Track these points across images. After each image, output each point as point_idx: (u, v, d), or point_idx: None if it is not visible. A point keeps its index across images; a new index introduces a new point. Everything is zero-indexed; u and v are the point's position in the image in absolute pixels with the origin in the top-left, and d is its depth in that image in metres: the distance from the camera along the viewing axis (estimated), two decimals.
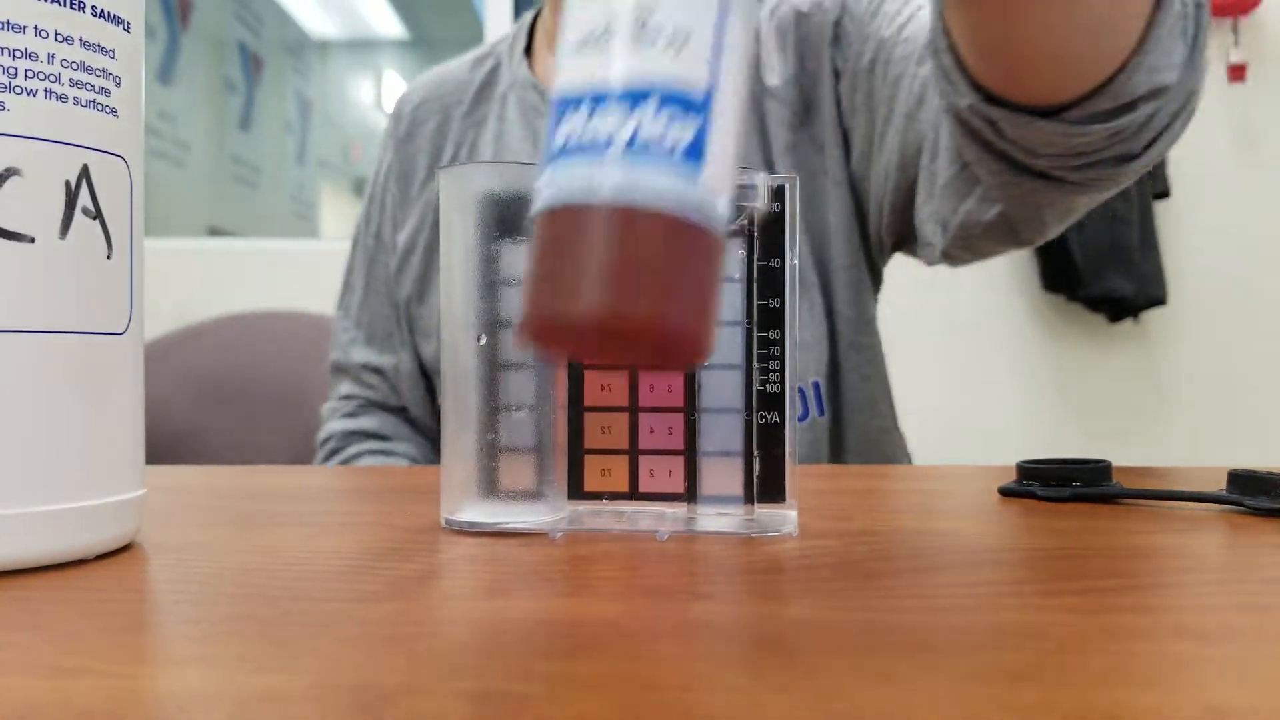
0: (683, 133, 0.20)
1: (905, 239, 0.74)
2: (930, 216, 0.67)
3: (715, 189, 0.21)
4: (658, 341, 0.20)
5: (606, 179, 0.20)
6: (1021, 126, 0.52)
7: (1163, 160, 2.00)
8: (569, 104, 0.21)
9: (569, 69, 0.21)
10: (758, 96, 0.76)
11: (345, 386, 0.86)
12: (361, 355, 0.85)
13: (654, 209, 0.20)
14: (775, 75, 0.75)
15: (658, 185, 0.20)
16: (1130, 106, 0.50)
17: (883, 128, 0.70)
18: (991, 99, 0.52)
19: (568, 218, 0.20)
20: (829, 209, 0.74)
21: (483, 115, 0.83)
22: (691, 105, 0.20)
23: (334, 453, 0.84)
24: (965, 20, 0.50)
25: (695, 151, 0.20)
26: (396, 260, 0.84)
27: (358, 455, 0.82)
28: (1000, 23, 0.48)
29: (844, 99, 0.74)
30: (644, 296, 0.20)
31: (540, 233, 0.21)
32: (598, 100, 0.20)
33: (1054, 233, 0.63)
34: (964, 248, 0.66)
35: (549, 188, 0.21)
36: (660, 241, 0.20)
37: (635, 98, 0.20)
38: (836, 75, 0.74)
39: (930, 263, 0.71)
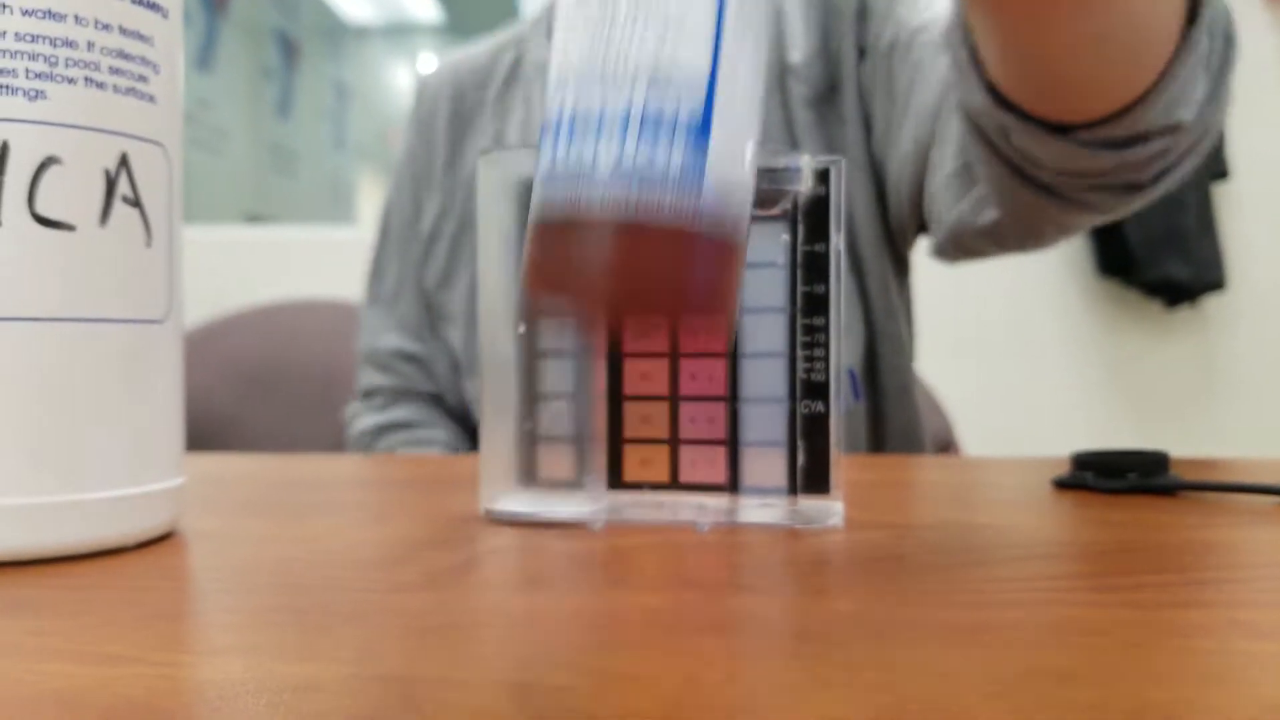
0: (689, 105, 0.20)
1: (925, 228, 0.73)
2: (929, 213, 0.66)
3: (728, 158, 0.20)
4: (683, 263, 0.20)
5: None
6: (1029, 137, 0.50)
7: (1222, 142, 1.97)
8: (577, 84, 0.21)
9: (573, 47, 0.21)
10: (779, 74, 0.74)
11: (371, 377, 0.86)
12: (394, 341, 0.85)
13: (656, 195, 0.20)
14: (798, 50, 0.74)
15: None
16: (1143, 138, 0.48)
17: (900, 117, 0.69)
18: (1004, 102, 0.50)
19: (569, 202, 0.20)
20: (854, 191, 0.73)
21: (510, 103, 0.83)
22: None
23: (364, 450, 0.84)
24: (987, 25, 0.47)
25: (704, 123, 0.20)
26: (421, 247, 0.84)
27: (390, 448, 0.82)
28: (1023, 35, 0.45)
29: (865, 79, 0.73)
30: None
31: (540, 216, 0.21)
32: (604, 81, 0.20)
33: (1049, 245, 0.61)
34: (955, 247, 0.65)
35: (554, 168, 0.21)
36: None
37: (636, 82, 0.20)
38: (860, 53, 0.73)
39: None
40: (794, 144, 0.74)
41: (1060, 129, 0.49)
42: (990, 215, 0.58)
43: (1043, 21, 0.43)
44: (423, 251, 0.84)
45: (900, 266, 0.77)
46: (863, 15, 0.73)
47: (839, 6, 0.74)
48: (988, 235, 0.60)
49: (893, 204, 0.73)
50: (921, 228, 0.73)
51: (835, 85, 0.74)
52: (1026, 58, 0.46)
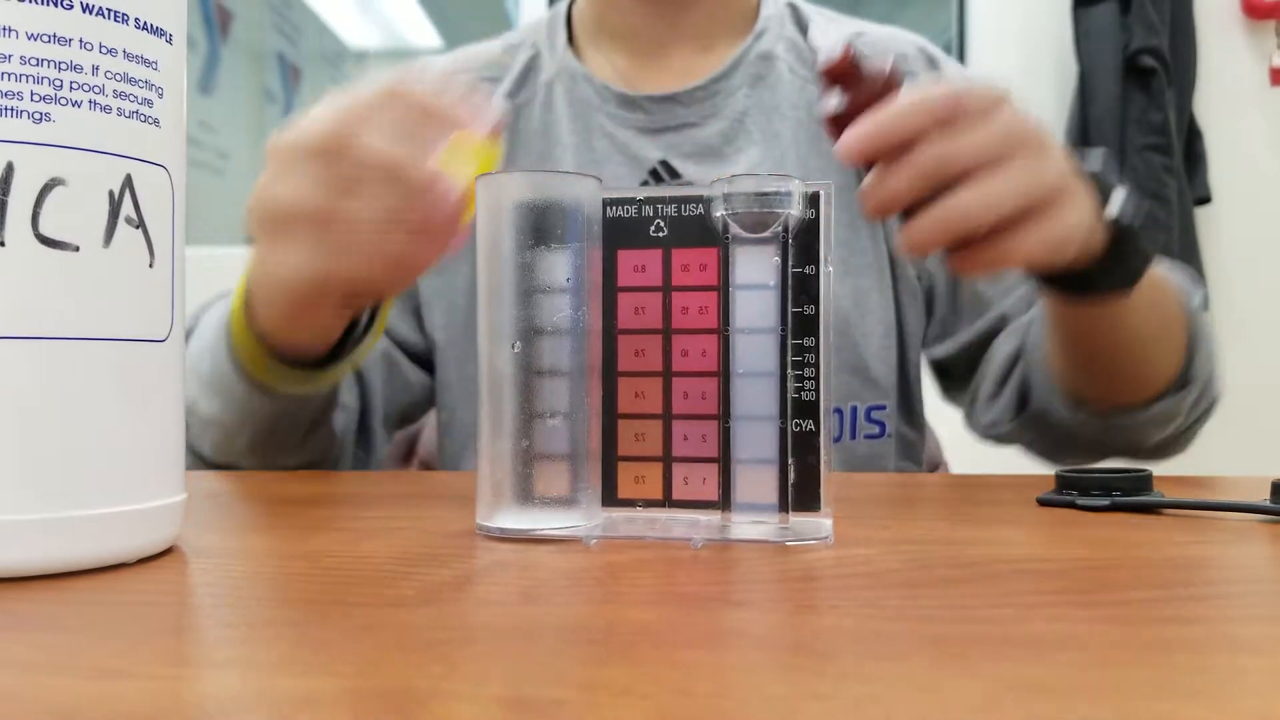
0: None
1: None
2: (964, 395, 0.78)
3: None
4: None
5: None
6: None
7: (1203, 166, 1.98)
8: None
9: None
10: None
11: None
12: None
13: None
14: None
15: None
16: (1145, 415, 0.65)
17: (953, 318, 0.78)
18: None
19: None
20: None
21: (526, 99, 0.80)
22: None
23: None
24: (1054, 338, 0.65)
25: None
26: None
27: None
28: (1070, 349, 0.64)
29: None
30: None
31: None
32: None
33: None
34: (980, 432, 0.77)
35: None
36: None
37: None
38: None
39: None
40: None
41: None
42: (1025, 438, 0.72)
43: (1079, 342, 0.62)
44: None
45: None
46: None
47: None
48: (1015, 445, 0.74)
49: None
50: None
51: None
52: (1073, 365, 0.64)
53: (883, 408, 0.75)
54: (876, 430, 0.75)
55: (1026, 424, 0.70)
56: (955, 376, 0.78)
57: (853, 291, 0.73)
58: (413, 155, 0.45)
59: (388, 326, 0.78)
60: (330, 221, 0.47)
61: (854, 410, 0.74)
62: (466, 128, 0.46)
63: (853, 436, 0.74)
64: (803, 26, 0.80)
